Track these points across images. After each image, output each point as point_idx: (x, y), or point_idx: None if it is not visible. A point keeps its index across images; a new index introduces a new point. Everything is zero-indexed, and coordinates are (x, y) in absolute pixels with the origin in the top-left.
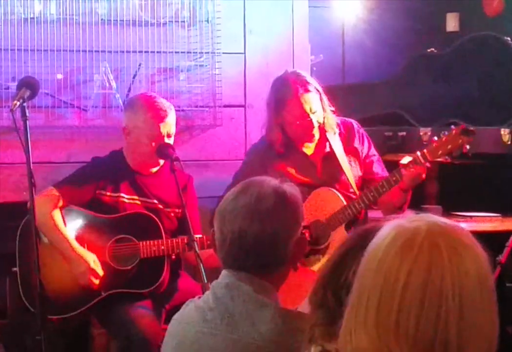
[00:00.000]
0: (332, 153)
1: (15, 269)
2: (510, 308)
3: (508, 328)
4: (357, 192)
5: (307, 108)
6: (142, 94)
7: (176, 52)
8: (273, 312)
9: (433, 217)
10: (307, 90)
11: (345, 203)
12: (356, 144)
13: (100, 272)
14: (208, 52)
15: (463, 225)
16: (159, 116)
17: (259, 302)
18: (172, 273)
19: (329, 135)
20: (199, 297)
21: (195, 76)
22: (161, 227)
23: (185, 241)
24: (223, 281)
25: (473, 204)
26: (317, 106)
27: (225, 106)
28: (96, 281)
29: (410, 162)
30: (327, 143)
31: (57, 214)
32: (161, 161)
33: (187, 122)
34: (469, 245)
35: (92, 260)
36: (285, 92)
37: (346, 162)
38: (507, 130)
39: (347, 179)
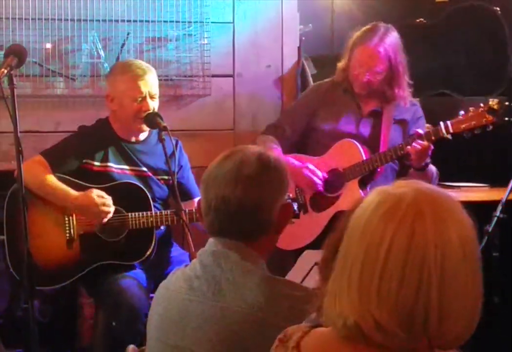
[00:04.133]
0: (380, 113)
1: (2, 237)
2: (497, 277)
3: (494, 297)
4: None
5: (362, 60)
6: (121, 60)
7: (164, 22)
8: (259, 279)
9: (420, 184)
10: (375, 46)
11: (364, 158)
12: (408, 118)
13: (108, 201)
14: (196, 22)
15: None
16: (138, 74)
17: (246, 269)
18: (162, 242)
19: (396, 103)
20: (186, 265)
21: (184, 46)
22: (149, 198)
23: (174, 215)
24: (210, 248)
25: (461, 174)
26: (370, 66)
27: (214, 75)
28: (111, 209)
29: (413, 138)
30: (382, 105)
31: (50, 176)
32: (146, 128)
33: (175, 92)
34: (454, 213)
35: (95, 195)
36: (362, 38)
37: (390, 126)
38: (495, 100)
39: (382, 140)
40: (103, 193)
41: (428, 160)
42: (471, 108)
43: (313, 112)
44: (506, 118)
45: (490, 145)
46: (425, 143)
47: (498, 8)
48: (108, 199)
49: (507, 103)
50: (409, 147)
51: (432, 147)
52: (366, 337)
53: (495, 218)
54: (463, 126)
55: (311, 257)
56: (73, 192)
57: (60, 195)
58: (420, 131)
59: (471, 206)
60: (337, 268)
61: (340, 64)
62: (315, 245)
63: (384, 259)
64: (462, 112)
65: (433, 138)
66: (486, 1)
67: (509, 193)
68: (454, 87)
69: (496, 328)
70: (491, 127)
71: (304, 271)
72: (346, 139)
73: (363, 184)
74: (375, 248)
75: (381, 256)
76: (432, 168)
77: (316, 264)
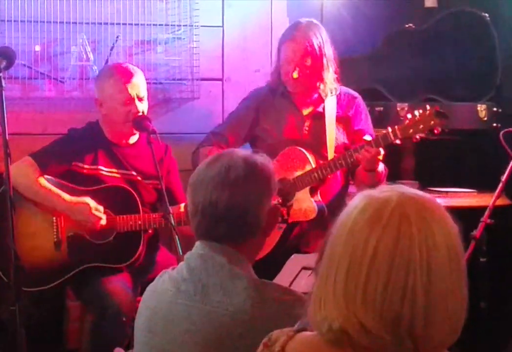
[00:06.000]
0: (323, 114)
1: None
2: (484, 283)
3: (481, 303)
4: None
5: (289, 55)
6: (108, 64)
7: (154, 25)
8: (246, 283)
9: (404, 188)
10: (299, 40)
11: (313, 165)
12: (350, 114)
13: (101, 208)
14: (186, 25)
15: (439, 200)
16: (124, 77)
17: (233, 273)
18: (149, 246)
19: (326, 97)
20: (173, 268)
21: (173, 49)
22: (138, 201)
23: (161, 214)
24: (197, 252)
25: (449, 180)
26: (298, 60)
27: (203, 79)
28: (103, 216)
29: (361, 146)
30: (322, 104)
31: (42, 179)
32: (136, 131)
33: (164, 95)
34: (439, 217)
35: (89, 201)
36: (286, 35)
37: (333, 125)
38: (483, 106)
39: (327, 142)
40: (96, 205)
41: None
42: (416, 112)
43: (253, 120)
44: (494, 124)
45: (477, 150)
46: (374, 149)
47: (487, 14)
48: (101, 208)
49: (495, 109)
50: (358, 154)
51: (382, 152)
52: (351, 341)
53: (483, 224)
54: (411, 130)
55: (299, 261)
56: (66, 195)
57: (52, 196)
58: (368, 138)
59: (458, 212)
60: (322, 272)
61: (272, 68)
62: (270, 257)
63: (370, 262)
64: (409, 116)
65: (382, 144)
66: (475, 7)
67: (496, 199)
68: (442, 93)
69: (482, 333)
70: (439, 130)
71: (291, 275)
72: (293, 146)
73: (313, 190)
74: (360, 251)
75: (366, 260)
76: (382, 167)
77: (303, 268)
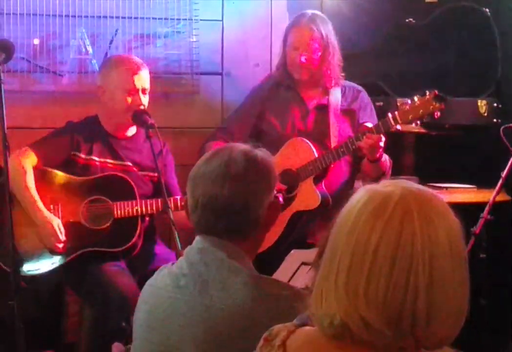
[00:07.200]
0: (327, 106)
1: None
2: (483, 279)
3: (481, 299)
4: None
5: (296, 41)
6: (115, 54)
7: (153, 18)
8: (246, 278)
9: (407, 183)
10: (306, 25)
11: (316, 155)
12: (355, 107)
13: (62, 237)
14: (185, 19)
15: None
16: (133, 68)
17: (232, 268)
18: (147, 238)
19: (331, 90)
20: (173, 263)
21: (172, 43)
22: (135, 188)
23: (159, 203)
24: (197, 246)
25: (449, 176)
26: (305, 45)
27: (202, 73)
28: (60, 245)
29: (363, 132)
30: (327, 97)
31: (30, 177)
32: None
33: (163, 89)
34: (442, 212)
35: (56, 223)
36: (292, 23)
37: (337, 117)
38: (484, 102)
39: (330, 134)
40: (62, 229)
41: (382, 151)
42: (416, 97)
43: (259, 114)
44: (495, 120)
45: (477, 146)
46: (376, 136)
47: (487, 9)
48: (62, 236)
49: (495, 104)
50: (360, 142)
51: (383, 138)
52: (352, 336)
53: (482, 220)
54: (411, 116)
55: (298, 256)
56: (41, 204)
57: (29, 200)
58: (370, 124)
59: (458, 208)
60: (324, 266)
61: (277, 61)
62: (276, 249)
63: (372, 257)
64: (408, 102)
65: (382, 130)
66: (475, 2)
67: (496, 195)
68: (443, 87)
69: (482, 330)
70: (439, 114)
71: (291, 271)
72: (296, 137)
73: (317, 180)
74: (363, 246)
75: (369, 254)
76: (386, 157)
77: (303, 263)
